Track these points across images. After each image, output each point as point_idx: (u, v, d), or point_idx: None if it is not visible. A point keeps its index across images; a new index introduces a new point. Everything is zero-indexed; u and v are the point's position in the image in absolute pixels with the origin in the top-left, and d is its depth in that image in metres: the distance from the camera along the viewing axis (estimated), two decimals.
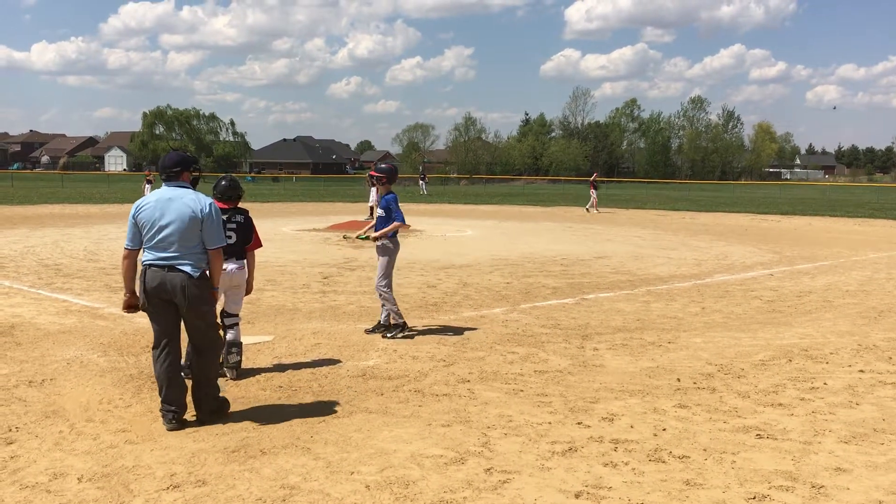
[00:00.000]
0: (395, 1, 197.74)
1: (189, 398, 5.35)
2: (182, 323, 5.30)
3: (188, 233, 5.11)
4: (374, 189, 26.97)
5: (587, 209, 33.13)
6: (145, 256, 5.17)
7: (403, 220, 8.00)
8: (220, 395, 5.50)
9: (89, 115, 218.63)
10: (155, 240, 5.12)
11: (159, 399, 5.25)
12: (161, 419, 5.21)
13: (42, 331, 8.07)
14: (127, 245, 5.24)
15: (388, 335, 7.87)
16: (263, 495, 4.08)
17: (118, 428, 5.12)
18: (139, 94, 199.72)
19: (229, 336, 6.36)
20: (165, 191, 5.23)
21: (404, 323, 8.01)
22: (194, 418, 5.29)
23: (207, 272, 5.23)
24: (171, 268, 5.09)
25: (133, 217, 5.19)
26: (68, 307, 9.48)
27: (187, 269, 5.10)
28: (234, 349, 6.36)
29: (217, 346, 5.52)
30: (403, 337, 7.85)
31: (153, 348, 5.28)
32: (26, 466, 4.46)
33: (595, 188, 34.05)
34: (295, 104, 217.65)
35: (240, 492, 4.12)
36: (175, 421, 5.14)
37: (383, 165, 8.45)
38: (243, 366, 6.64)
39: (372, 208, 26.16)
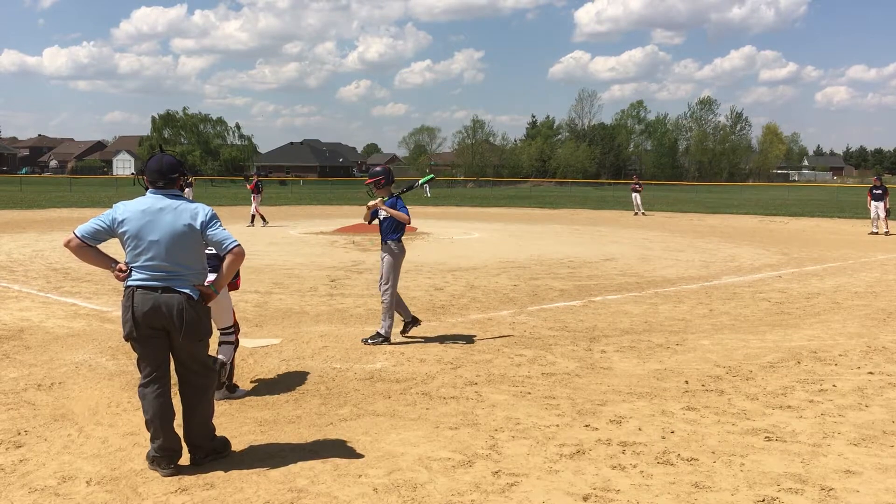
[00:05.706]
0: (406, 4, 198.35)
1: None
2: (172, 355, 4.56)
3: (185, 248, 4.43)
4: (256, 196, 24.99)
5: (643, 213, 32.81)
6: (133, 276, 4.47)
7: (409, 220, 7.85)
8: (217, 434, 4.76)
9: (98, 119, 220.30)
10: (144, 257, 4.42)
11: (151, 445, 4.48)
12: (151, 465, 4.47)
13: (51, 334, 8.10)
14: (81, 236, 4.52)
15: (370, 341, 7.72)
16: (271, 498, 4.08)
17: (127, 431, 5.13)
18: (149, 98, 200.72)
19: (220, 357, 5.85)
20: (154, 199, 4.48)
21: (388, 338, 7.79)
22: (189, 463, 4.57)
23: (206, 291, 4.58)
24: (167, 289, 4.39)
25: (110, 219, 4.47)
26: (77, 311, 9.51)
27: (186, 289, 4.42)
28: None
29: (213, 381, 4.79)
30: (381, 343, 7.71)
31: (141, 385, 4.50)
32: (35, 470, 4.47)
33: (635, 191, 33.55)
34: (304, 108, 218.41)
35: (248, 495, 4.13)
36: (174, 466, 4.45)
37: (378, 168, 8.16)
38: (251, 370, 6.65)
39: (254, 216, 24.42)
